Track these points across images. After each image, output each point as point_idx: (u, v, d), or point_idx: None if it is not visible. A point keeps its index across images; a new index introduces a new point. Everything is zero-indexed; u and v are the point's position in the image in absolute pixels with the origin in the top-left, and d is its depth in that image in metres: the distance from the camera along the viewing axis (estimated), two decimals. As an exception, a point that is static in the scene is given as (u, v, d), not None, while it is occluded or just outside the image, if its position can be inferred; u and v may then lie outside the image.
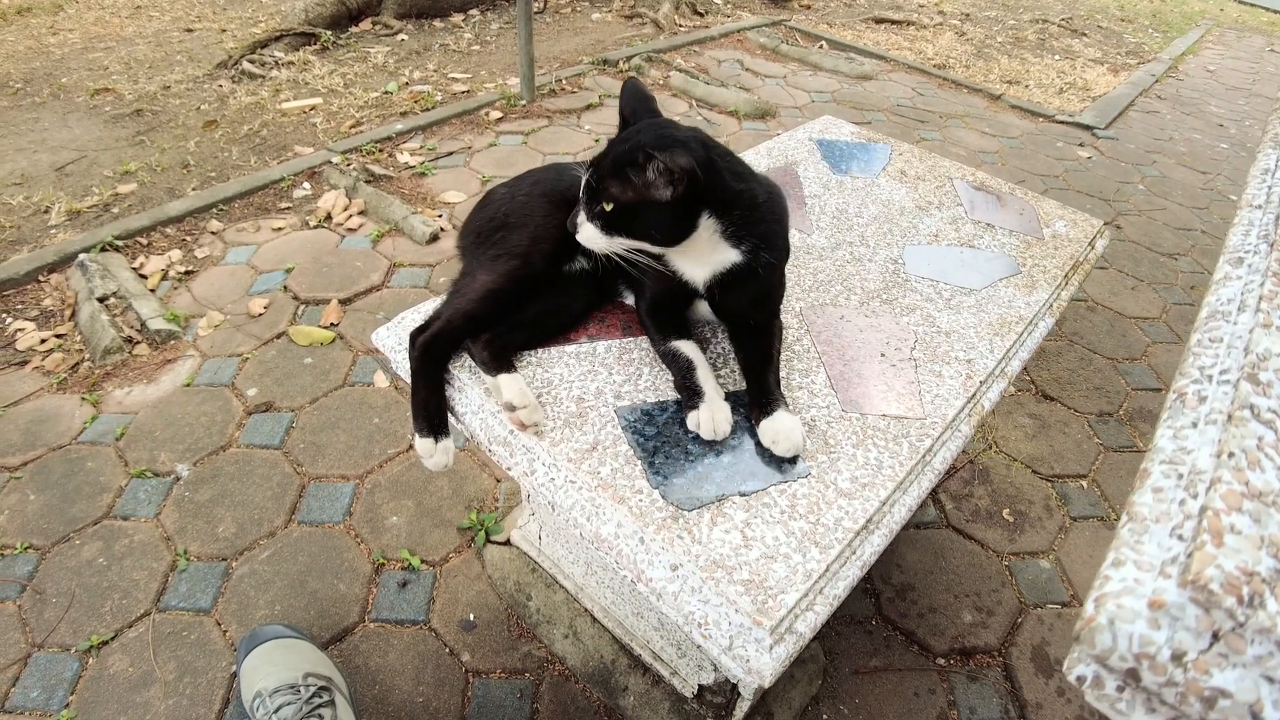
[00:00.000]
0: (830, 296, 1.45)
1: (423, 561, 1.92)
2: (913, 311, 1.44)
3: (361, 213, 3.28)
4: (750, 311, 1.23)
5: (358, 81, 4.55)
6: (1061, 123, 5.11)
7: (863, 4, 7.51)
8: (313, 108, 4.20)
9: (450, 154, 3.84)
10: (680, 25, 6.31)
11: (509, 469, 1.09)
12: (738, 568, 0.92)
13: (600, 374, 1.19)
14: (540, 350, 1.23)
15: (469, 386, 1.16)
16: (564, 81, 4.77)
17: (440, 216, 3.30)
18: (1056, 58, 6.60)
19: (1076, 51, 6.88)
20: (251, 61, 4.60)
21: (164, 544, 1.93)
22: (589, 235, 1.11)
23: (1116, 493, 2.38)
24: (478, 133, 4.08)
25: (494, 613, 1.82)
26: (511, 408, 1.07)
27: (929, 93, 5.37)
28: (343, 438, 2.23)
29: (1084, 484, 2.40)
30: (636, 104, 1.18)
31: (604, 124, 4.24)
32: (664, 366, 1.21)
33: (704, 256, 1.14)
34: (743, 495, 1.01)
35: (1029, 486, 2.37)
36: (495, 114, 4.27)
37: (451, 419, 1.20)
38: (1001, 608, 2.00)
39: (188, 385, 2.38)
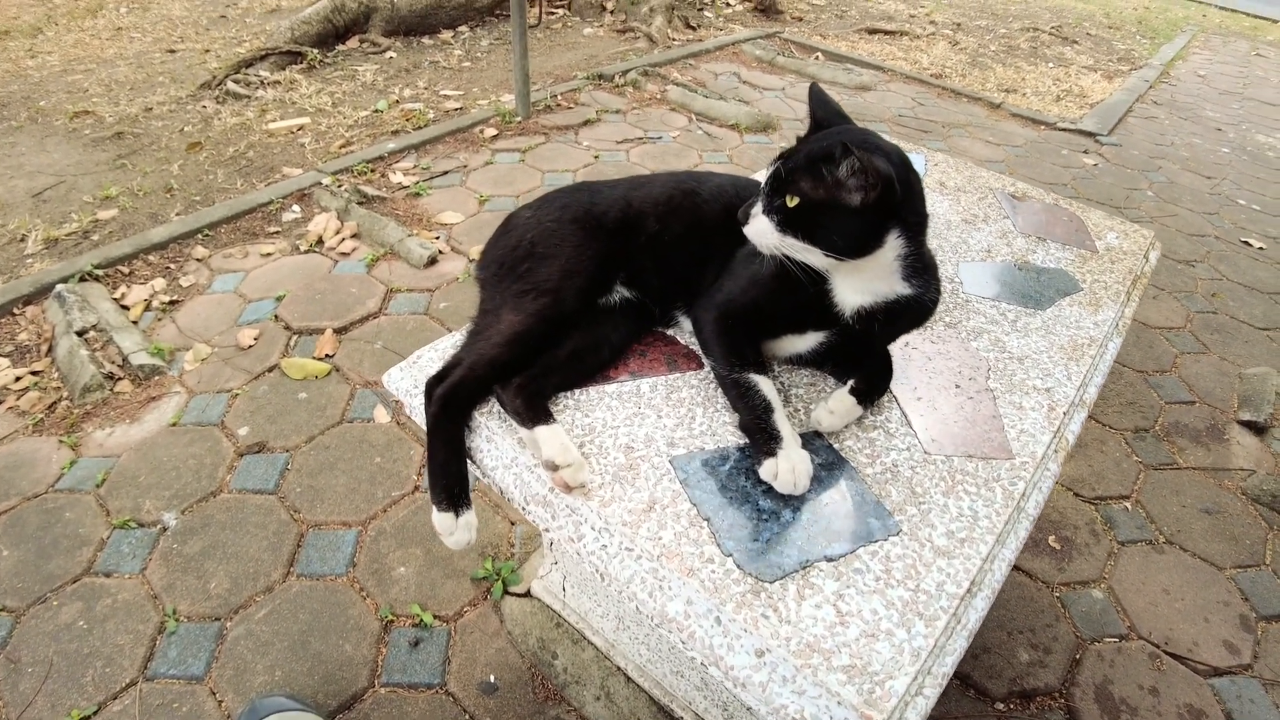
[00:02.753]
0: (888, 321, 1.32)
1: (435, 617, 1.76)
2: (980, 335, 1.31)
3: (355, 236, 3.13)
4: (887, 341, 1.15)
5: (346, 100, 4.41)
6: (1064, 130, 5.04)
7: (854, 15, 7.45)
8: (301, 128, 4.06)
9: (446, 173, 3.70)
10: (673, 39, 6.22)
11: (549, 532, 0.94)
12: (836, 651, 0.78)
13: (648, 417, 1.04)
14: (578, 391, 1.09)
15: (499, 436, 1.02)
16: (560, 97, 4.65)
17: (438, 238, 3.16)
18: (1051, 65, 6.55)
19: (1069, 59, 6.84)
20: (236, 81, 4.45)
21: (151, 603, 1.76)
22: (761, 229, 1.00)
23: (1162, 514, 2.25)
24: (473, 150, 3.94)
25: (516, 673, 1.67)
26: (554, 466, 0.93)
27: (929, 102, 5.29)
28: (343, 480, 2.08)
29: (1128, 505, 2.28)
30: (826, 109, 1.09)
31: (603, 140, 4.12)
32: (723, 402, 1.08)
33: (871, 283, 1.04)
34: (830, 560, 0.87)
35: (1072, 510, 2.24)
36: (490, 131, 4.14)
37: (475, 471, 1.05)
38: (1058, 644, 1.86)
39: (174, 425, 2.22)
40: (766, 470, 0.94)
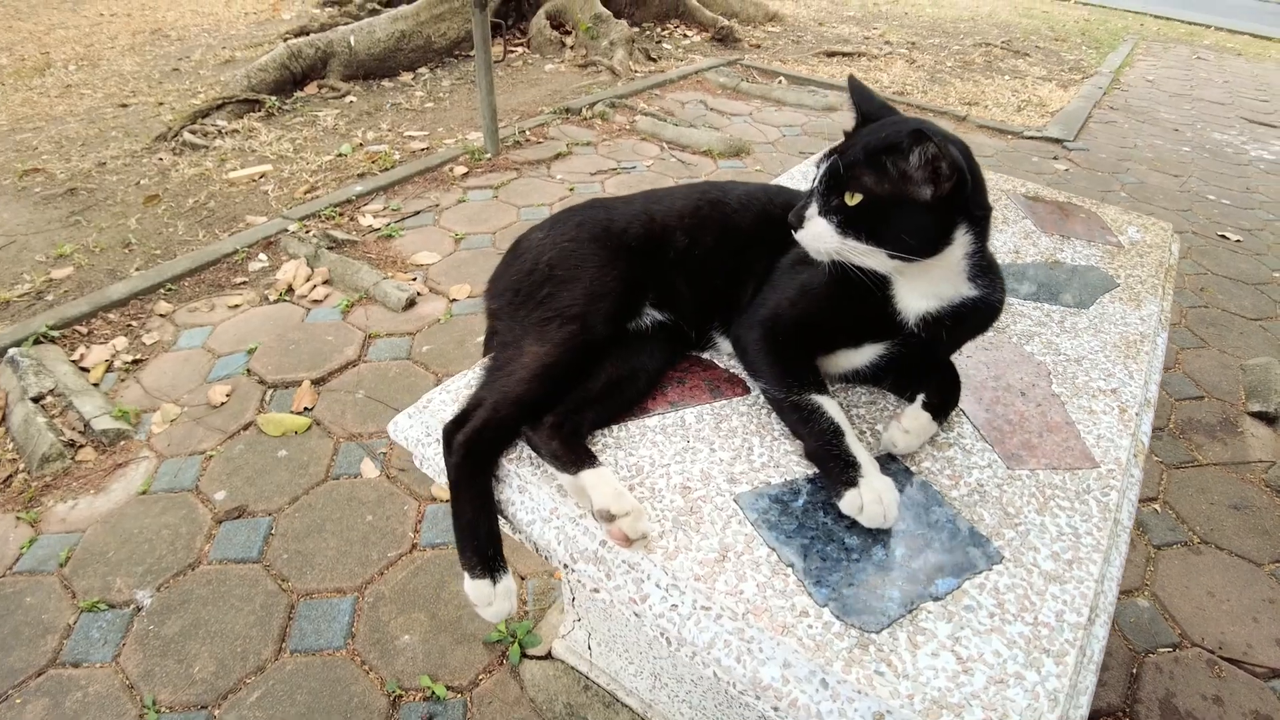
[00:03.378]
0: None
1: (448, 688, 1.60)
2: (1031, 339, 1.22)
3: (326, 282, 2.99)
4: (953, 349, 1.07)
5: (309, 146, 4.29)
6: (1031, 138, 5.09)
7: (810, 40, 7.54)
8: (263, 175, 3.92)
9: (417, 213, 3.58)
10: (636, 71, 6.21)
11: (602, 593, 0.82)
12: (966, 704, 0.66)
13: (700, 451, 0.93)
14: (616, 427, 0.97)
15: (534, 485, 0.89)
16: (528, 132, 4.58)
17: (415, 280, 3.03)
18: (1007, 78, 6.66)
19: (1023, 71, 6.97)
20: (193, 132, 4.31)
21: (127, 694, 1.58)
22: (818, 233, 0.91)
23: (1192, 514, 2.18)
24: (444, 189, 3.84)
25: (544, 743, 1.52)
26: (609, 516, 0.80)
27: (895, 118, 5.32)
28: (333, 542, 1.92)
29: (1156, 508, 2.20)
30: (870, 101, 1.01)
31: (576, 172, 4.04)
32: (780, 428, 0.96)
33: (937, 285, 0.95)
34: (936, 600, 0.76)
35: (1101, 518, 2.15)
36: (460, 169, 4.04)
37: (506, 527, 0.92)
38: (1113, 659, 1.76)
39: (143, 493, 2.04)
40: (848, 503, 0.83)
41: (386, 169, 3.95)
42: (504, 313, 1.06)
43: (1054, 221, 1.68)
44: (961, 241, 0.91)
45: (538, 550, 0.88)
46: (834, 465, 0.86)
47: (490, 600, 0.85)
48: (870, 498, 0.82)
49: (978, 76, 6.61)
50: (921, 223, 0.88)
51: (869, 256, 0.89)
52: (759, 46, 7.19)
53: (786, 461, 0.92)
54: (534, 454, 0.92)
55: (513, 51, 6.42)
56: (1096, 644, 0.77)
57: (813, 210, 0.91)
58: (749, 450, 0.93)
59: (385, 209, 3.56)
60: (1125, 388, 1.12)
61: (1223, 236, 3.91)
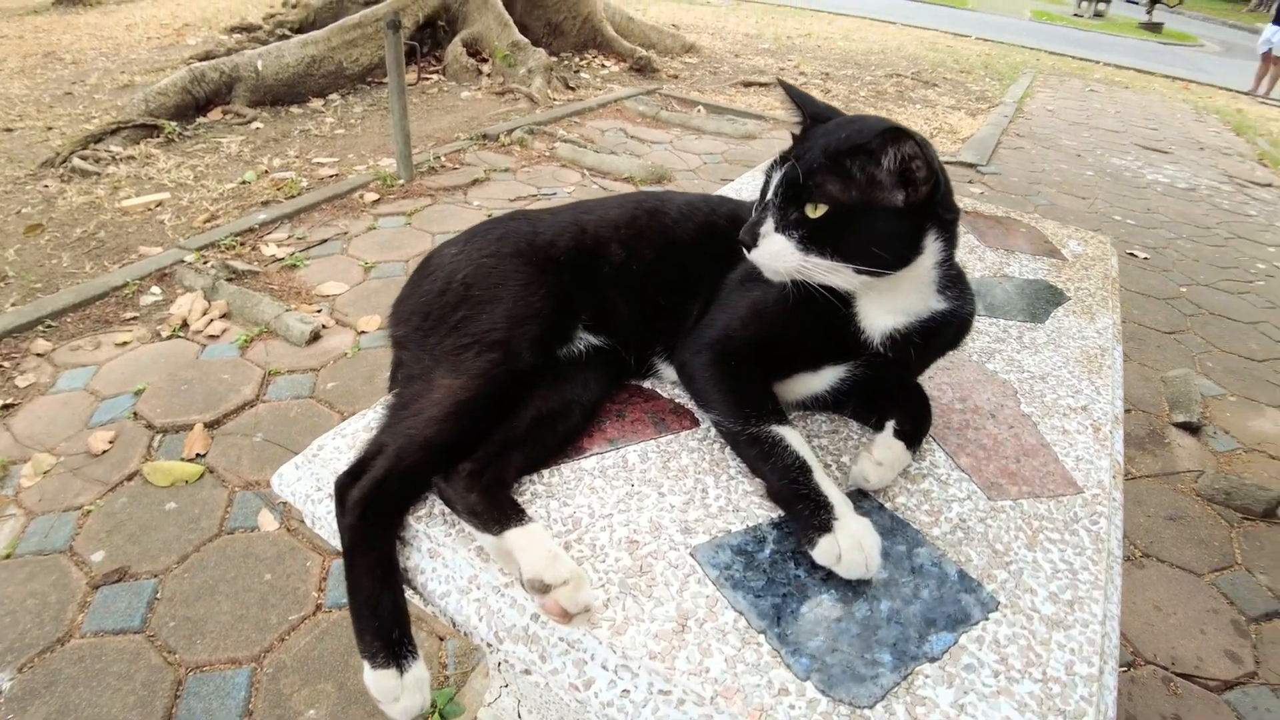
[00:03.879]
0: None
1: (363, 771, 1.41)
2: (992, 356, 1.15)
3: (225, 316, 2.75)
4: (923, 367, 0.98)
5: (210, 173, 4.01)
6: (946, 163, 5.22)
7: (727, 71, 7.62)
8: (159, 203, 3.63)
9: (324, 241, 3.37)
10: (554, 99, 6.13)
11: (535, 675, 0.67)
12: (982, 799, 0.54)
13: (647, 497, 0.79)
14: (547, 471, 0.83)
15: (448, 548, 0.74)
16: (444, 158, 4.43)
17: (320, 312, 2.82)
18: (918, 106, 6.88)
19: (933, 100, 7.22)
20: (84, 158, 3.97)
21: (-31, 809, 1.33)
22: (776, 251, 0.79)
23: (1131, 527, 2.17)
24: (353, 217, 3.63)
25: (474, 830, 1.34)
26: (543, 586, 0.65)
27: (815, 144, 5.38)
28: (227, 606, 1.69)
29: (1097, 525, 2.17)
30: (814, 103, 0.91)
31: (494, 198, 3.90)
32: (737, 464, 0.84)
33: (905, 300, 0.85)
34: (933, 661, 0.64)
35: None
36: (371, 195, 3.85)
37: (415, 599, 0.76)
38: (1070, 691, 1.69)
39: (7, 557, 1.78)
40: (823, 552, 0.71)
41: (293, 196, 3.73)
42: (410, 341, 0.91)
43: (996, 235, 1.64)
44: (932, 250, 0.82)
45: (455, 626, 0.73)
46: (803, 507, 0.74)
47: (396, 695, 0.69)
48: (848, 544, 0.70)
49: (890, 105, 6.80)
50: (894, 232, 0.78)
51: (834, 274, 0.78)
52: (677, 77, 7.23)
53: (746, 504, 0.79)
54: (448, 510, 0.77)
55: (428, 78, 6.26)
56: (1109, 695, 0.67)
57: (768, 226, 0.80)
58: (703, 493, 0.80)
59: (290, 238, 3.33)
60: (1094, 404, 1.05)
61: (1131, 254, 4.05)
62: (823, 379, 0.90)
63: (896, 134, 0.73)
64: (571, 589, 0.65)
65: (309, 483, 0.84)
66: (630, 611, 0.66)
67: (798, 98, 0.92)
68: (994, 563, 0.76)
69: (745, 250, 0.82)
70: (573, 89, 6.47)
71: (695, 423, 0.91)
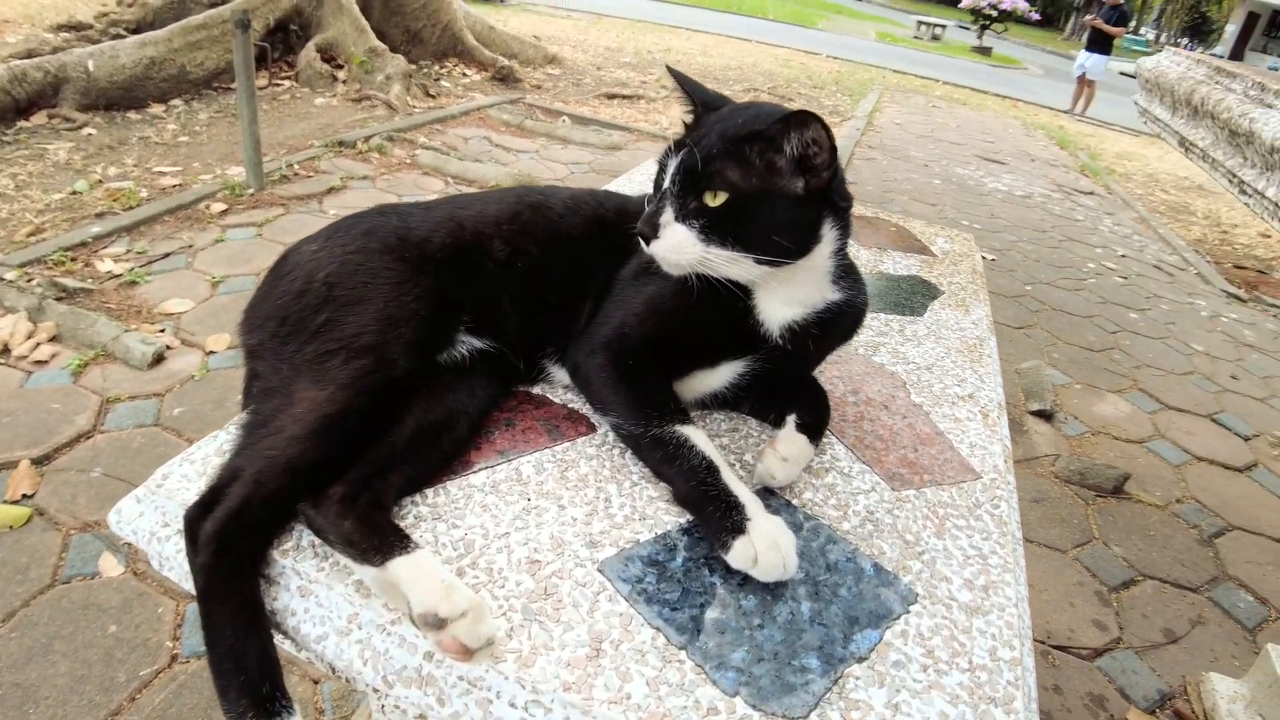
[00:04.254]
0: (783, 344, 1.12)
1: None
2: (878, 349, 1.16)
3: (54, 339, 2.44)
4: (819, 360, 0.97)
5: (35, 182, 3.58)
6: (809, 172, 5.44)
7: (589, 83, 7.64)
8: (-37, 217, 3.19)
9: (167, 255, 3.07)
10: (414, 106, 5.93)
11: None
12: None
13: (546, 511, 0.73)
14: (430, 490, 0.74)
15: (322, 584, 0.64)
16: (297, 166, 4.16)
17: (163, 331, 2.55)
18: (780, 119, 7.16)
19: (792, 114, 7.54)
20: None
21: None
22: (677, 243, 0.75)
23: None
24: (199, 229, 3.34)
25: None
26: (438, 621, 0.57)
27: (686, 155, 5.47)
28: (65, 666, 1.47)
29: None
30: (704, 90, 0.89)
31: (352, 207, 3.70)
32: (639, 469, 0.79)
33: (802, 291, 0.83)
34: (861, 661, 0.61)
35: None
36: (219, 206, 3.56)
37: (286, 644, 0.66)
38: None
39: None
40: (739, 555, 0.66)
41: (131, 207, 3.38)
42: (266, 350, 0.80)
43: (868, 235, 1.68)
44: (830, 238, 0.81)
45: (334, 672, 0.63)
46: (713, 510, 0.70)
47: None
48: (764, 544, 0.66)
49: (754, 118, 7.03)
50: (795, 220, 0.77)
51: (735, 265, 0.75)
52: (540, 87, 7.18)
53: (653, 511, 0.74)
54: (319, 541, 0.67)
55: (280, 85, 5.90)
56: (1030, 676, 0.66)
57: (668, 215, 0.76)
58: (606, 502, 0.74)
59: (129, 252, 3.01)
60: (980, 391, 1.08)
61: (981, 256, 4.34)
62: (721, 375, 0.86)
63: (801, 118, 0.71)
64: (470, 621, 0.57)
65: (153, 518, 0.72)
66: (537, 639, 0.59)
67: (687, 85, 0.90)
68: (907, 554, 0.74)
69: (644, 242, 0.78)
70: (433, 96, 6.29)
71: (592, 428, 0.86)
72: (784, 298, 0.83)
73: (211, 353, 2.45)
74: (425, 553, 0.63)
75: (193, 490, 0.73)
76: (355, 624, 0.62)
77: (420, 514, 0.71)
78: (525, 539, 0.69)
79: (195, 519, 0.66)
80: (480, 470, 0.77)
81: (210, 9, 5.94)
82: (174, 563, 0.70)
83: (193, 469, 0.76)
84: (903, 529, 0.77)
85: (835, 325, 0.87)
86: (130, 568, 1.68)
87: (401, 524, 0.69)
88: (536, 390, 0.92)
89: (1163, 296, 4.27)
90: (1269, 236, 6.21)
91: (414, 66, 6.38)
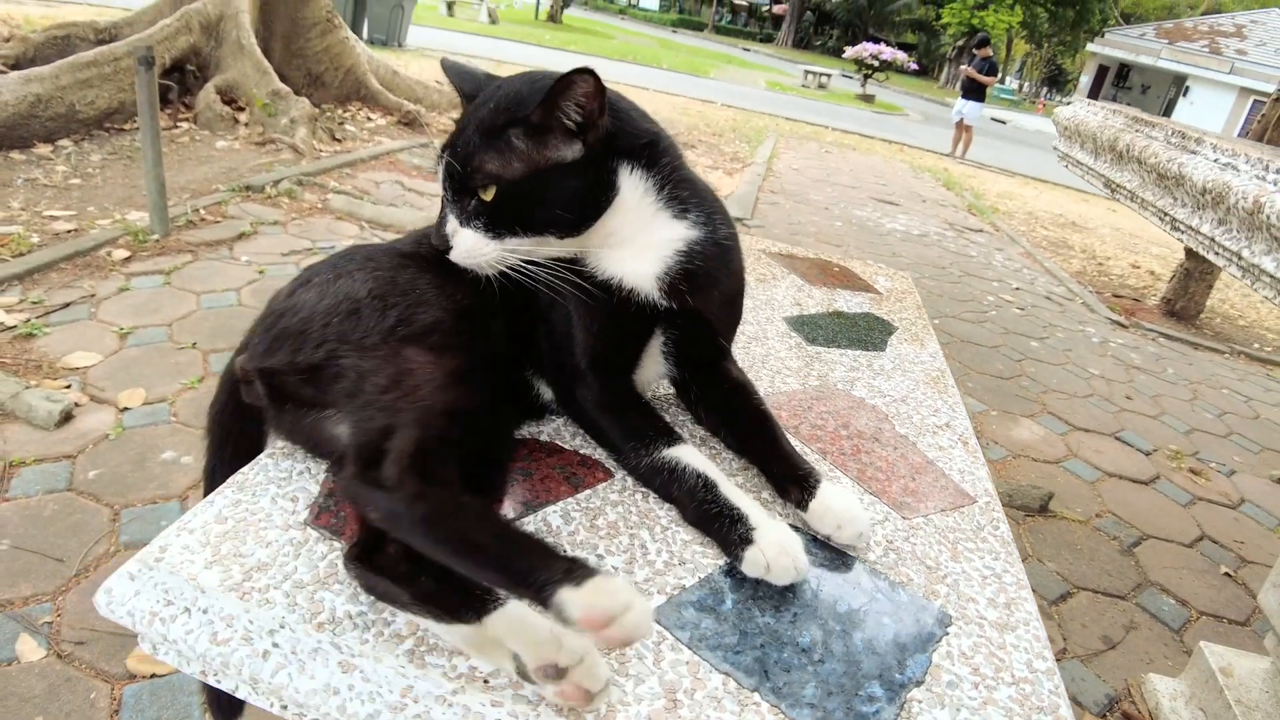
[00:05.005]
0: (771, 385, 1.14)
1: None
2: (854, 384, 1.20)
3: (-64, 402, 2.22)
4: (727, 326, 0.96)
5: (-104, 229, 3.28)
6: (723, 215, 5.61)
7: None
8: None
9: (67, 305, 2.86)
10: (321, 150, 5.80)
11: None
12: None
13: (587, 562, 0.71)
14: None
15: (366, 658, 0.60)
16: (203, 211, 3.99)
17: (69, 387, 2.37)
18: (688, 164, 7.36)
19: (692, 160, 7.77)
20: None
21: None
22: (470, 247, 0.75)
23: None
24: (100, 277, 3.14)
25: None
26: (558, 673, 0.54)
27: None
28: (-29, 773, 1.32)
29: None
30: (471, 78, 0.86)
31: (264, 253, 3.56)
32: (665, 511, 0.79)
33: (644, 238, 0.81)
34: (919, 684, 0.63)
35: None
36: (121, 253, 3.36)
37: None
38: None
39: None
40: (751, 563, 0.70)
41: (22, 254, 3.14)
42: (340, 355, 0.71)
43: (815, 274, 1.75)
44: (632, 183, 0.80)
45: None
46: (719, 526, 0.73)
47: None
48: (773, 552, 0.69)
49: (664, 162, 7.21)
50: (576, 185, 0.76)
51: (541, 247, 0.76)
52: (446, 132, 7.16)
53: (690, 555, 0.74)
54: (360, 610, 0.63)
55: (177, 127, 5.65)
56: (1062, 685, 0.70)
57: (453, 224, 0.77)
58: (643, 549, 0.74)
59: (23, 302, 2.79)
60: (954, 421, 1.13)
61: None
62: (651, 365, 0.88)
63: (565, 84, 0.70)
64: (589, 665, 0.55)
65: (153, 596, 0.66)
66: (612, 696, 0.57)
67: (453, 76, 0.88)
68: (931, 579, 0.77)
69: (446, 255, 0.78)
70: (339, 140, 6.16)
71: (609, 473, 0.85)
72: (631, 251, 0.81)
73: (126, 409, 2.29)
74: (515, 602, 0.59)
75: (198, 561, 0.68)
76: (410, 697, 0.58)
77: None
78: (572, 591, 0.67)
79: (364, 472, 0.62)
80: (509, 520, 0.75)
81: (98, 45, 5.66)
82: (176, 645, 0.65)
83: (193, 539, 0.71)
84: (922, 555, 0.80)
85: (709, 267, 0.85)
86: (53, 649, 1.52)
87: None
88: (545, 437, 0.90)
89: (1057, 325, 4.61)
90: (1138, 268, 6.82)
91: (317, 109, 6.24)
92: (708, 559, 0.74)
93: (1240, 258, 1.01)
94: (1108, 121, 1.46)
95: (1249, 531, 2.75)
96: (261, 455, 0.81)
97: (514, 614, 0.58)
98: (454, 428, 0.67)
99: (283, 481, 0.77)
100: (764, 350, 1.25)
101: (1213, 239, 1.06)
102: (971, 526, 0.88)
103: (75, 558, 1.73)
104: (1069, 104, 1.76)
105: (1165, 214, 1.19)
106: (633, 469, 0.81)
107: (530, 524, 0.76)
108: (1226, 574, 2.44)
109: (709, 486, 0.75)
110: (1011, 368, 3.79)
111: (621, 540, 0.75)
